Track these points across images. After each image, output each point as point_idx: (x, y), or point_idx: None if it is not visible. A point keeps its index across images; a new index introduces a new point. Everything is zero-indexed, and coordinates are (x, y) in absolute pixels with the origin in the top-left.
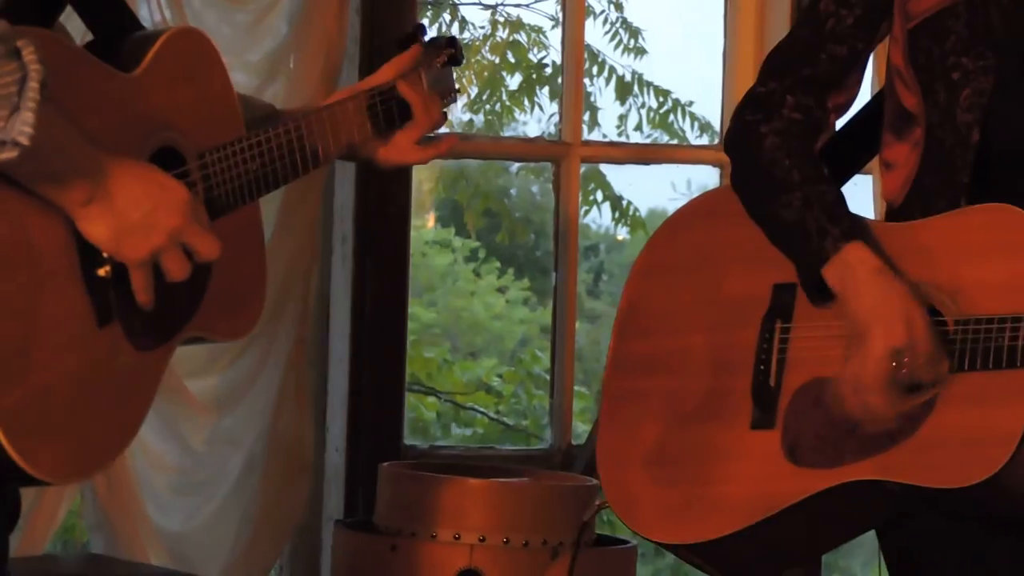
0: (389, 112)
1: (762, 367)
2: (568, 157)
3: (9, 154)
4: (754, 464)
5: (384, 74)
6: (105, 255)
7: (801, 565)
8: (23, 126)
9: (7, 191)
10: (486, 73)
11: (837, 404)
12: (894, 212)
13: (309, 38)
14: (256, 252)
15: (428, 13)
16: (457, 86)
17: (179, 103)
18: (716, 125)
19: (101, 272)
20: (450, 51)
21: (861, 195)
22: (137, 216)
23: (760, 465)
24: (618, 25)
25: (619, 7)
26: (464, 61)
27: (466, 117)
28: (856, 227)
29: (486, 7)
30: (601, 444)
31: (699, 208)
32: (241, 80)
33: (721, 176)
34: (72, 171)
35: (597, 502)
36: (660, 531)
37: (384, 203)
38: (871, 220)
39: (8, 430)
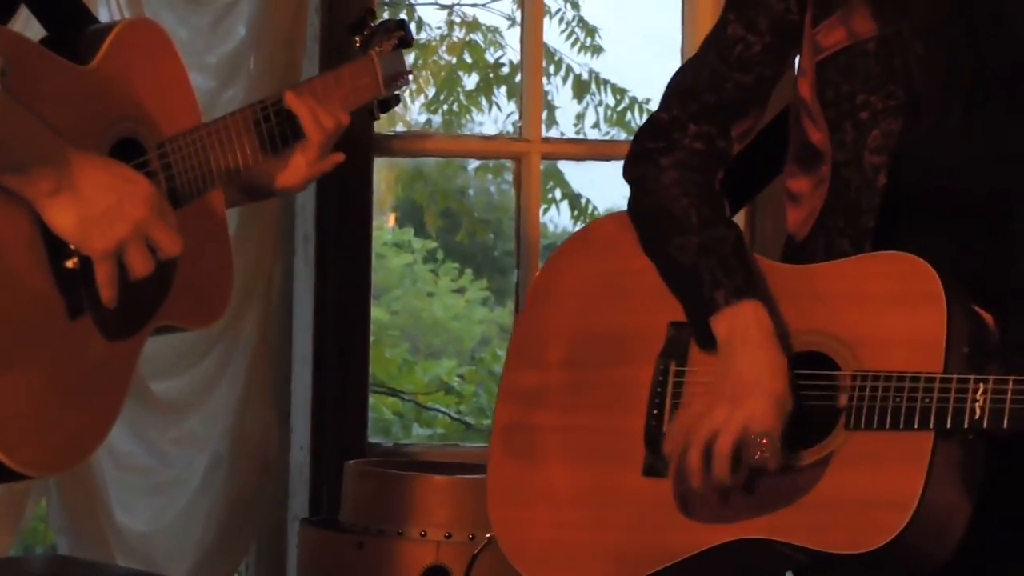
0: (280, 129)
1: (655, 411)
2: (529, 154)
3: None
4: (646, 512)
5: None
6: (70, 247)
7: None
8: None
9: None
10: (443, 73)
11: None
12: (796, 246)
13: (267, 38)
14: (221, 239)
15: (385, 13)
16: (410, 73)
17: (136, 93)
18: None
19: (69, 264)
20: (400, 33)
21: None
22: (103, 206)
23: (652, 514)
24: (575, 24)
25: (575, 6)
26: (412, 44)
27: (423, 117)
28: (750, 282)
29: (442, 7)
30: (491, 479)
31: (598, 233)
32: (199, 82)
33: None
34: (37, 161)
35: (488, 535)
36: None
37: (345, 202)
38: (769, 262)
39: None
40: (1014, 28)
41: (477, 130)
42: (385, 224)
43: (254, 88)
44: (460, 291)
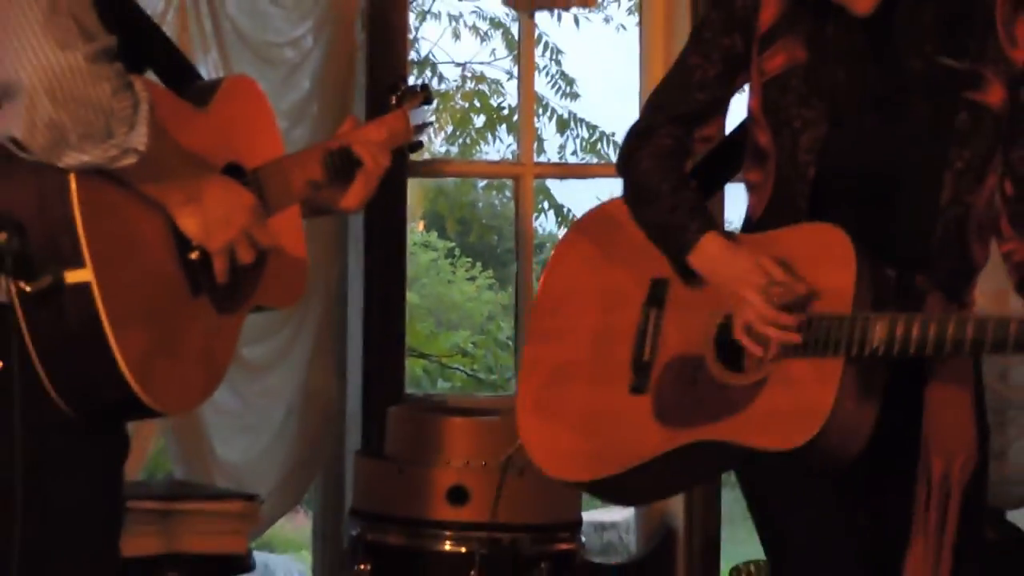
0: (343, 164)
1: (639, 344)
2: (524, 175)
3: (130, 160)
4: (631, 421)
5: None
6: (194, 243)
7: (668, 497)
8: (139, 137)
9: (119, 196)
10: (458, 115)
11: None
12: (752, 226)
13: (326, 90)
14: (298, 240)
15: (415, 69)
16: (432, 118)
17: (239, 130)
18: None
19: (192, 256)
20: (424, 94)
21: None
22: (220, 214)
23: (635, 423)
24: (557, 76)
25: (558, 63)
26: (435, 101)
27: (444, 148)
28: (710, 222)
29: (457, 64)
30: (519, 399)
31: (602, 213)
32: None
33: None
34: (173, 177)
35: (517, 442)
36: (557, 470)
37: (386, 212)
38: (728, 232)
39: (137, 376)
40: (902, 59)
41: (484, 157)
42: (416, 229)
43: (317, 128)
44: (472, 279)
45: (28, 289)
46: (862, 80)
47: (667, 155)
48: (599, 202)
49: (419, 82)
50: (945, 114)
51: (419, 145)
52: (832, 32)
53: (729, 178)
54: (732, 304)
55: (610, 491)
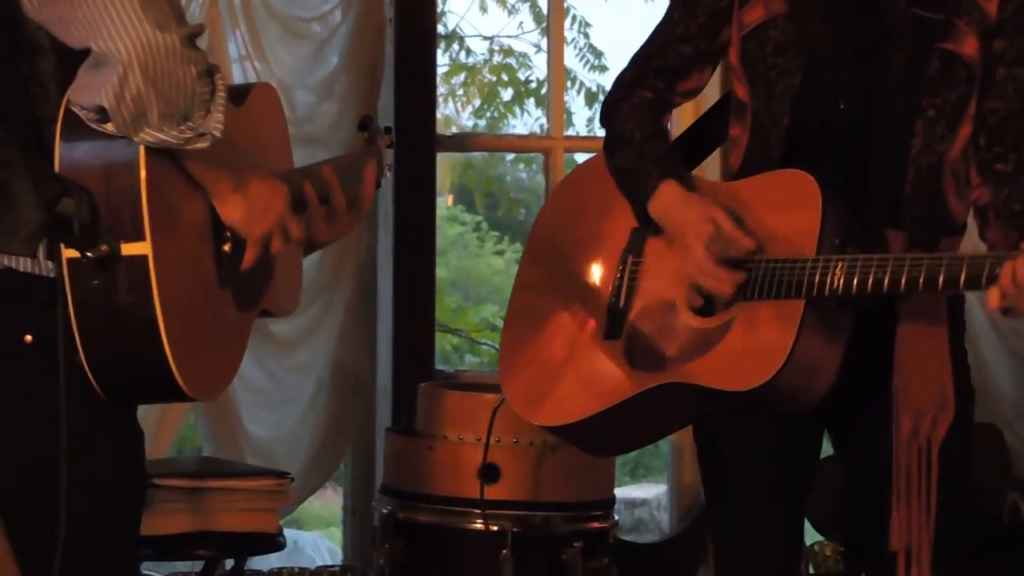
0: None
1: (616, 291)
2: (554, 149)
3: (203, 144)
4: (603, 366)
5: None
6: (236, 232)
7: (638, 447)
8: (215, 123)
9: (177, 178)
10: (486, 89)
11: (685, 288)
12: (734, 176)
13: (355, 65)
14: (297, 253)
15: (442, 43)
16: (388, 162)
17: (261, 135)
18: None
19: (225, 248)
20: (389, 137)
21: None
22: (261, 205)
23: (607, 367)
24: (586, 50)
25: (587, 36)
26: (394, 144)
27: (472, 122)
28: (674, 169)
29: (485, 39)
30: (502, 348)
31: (591, 166)
32: (302, 98)
33: None
34: (225, 167)
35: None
36: (532, 415)
37: (415, 187)
38: (705, 180)
39: (176, 355)
40: (879, 10)
41: (512, 131)
42: (445, 203)
43: (345, 103)
44: (500, 253)
45: (89, 255)
46: (840, 31)
47: (646, 107)
48: None
49: (384, 125)
50: (919, 65)
51: (379, 185)
52: None
53: (719, 143)
54: (680, 253)
55: (584, 437)
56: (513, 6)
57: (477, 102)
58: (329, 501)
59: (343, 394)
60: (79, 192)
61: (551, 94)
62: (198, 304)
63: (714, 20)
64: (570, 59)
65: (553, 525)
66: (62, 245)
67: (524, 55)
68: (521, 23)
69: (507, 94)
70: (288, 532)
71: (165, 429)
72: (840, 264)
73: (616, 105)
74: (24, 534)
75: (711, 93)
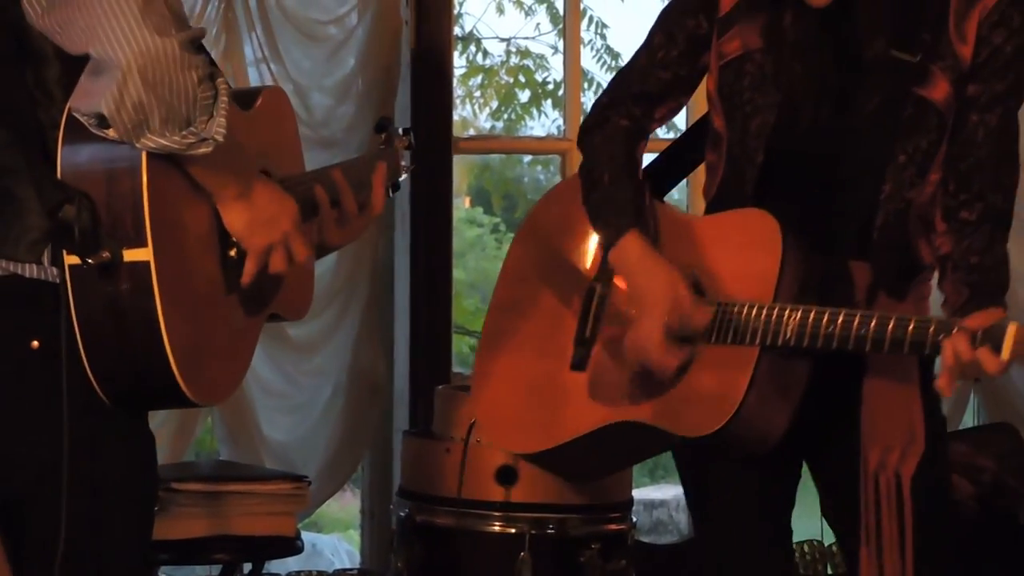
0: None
1: (583, 320)
2: (571, 151)
3: (205, 149)
4: (569, 398)
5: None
6: (235, 240)
7: (603, 476)
8: (218, 128)
9: (179, 183)
10: (503, 91)
11: (628, 358)
12: (707, 206)
13: (371, 67)
14: (309, 257)
15: (459, 44)
16: (407, 163)
17: (269, 137)
18: (680, 123)
19: (231, 253)
20: (409, 137)
21: None
22: (266, 216)
23: (572, 399)
24: (603, 51)
25: (604, 37)
26: (414, 146)
27: (489, 124)
28: (638, 218)
29: (502, 40)
30: (475, 371)
31: (567, 187)
32: (320, 100)
33: None
34: (228, 172)
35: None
36: (501, 441)
37: (432, 189)
38: (673, 213)
39: (179, 361)
40: (857, 51)
41: (530, 133)
42: (462, 205)
43: (362, 105)
44: None
45: (90, 261)
46: (817, 71)
47: (620, 138)
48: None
49: (403, 127)
50: (894, 108)
51: (397, 187)
52: (790, 22)
53: (695, 166)
54: (634, 312)
55: (551, 465)
56: (530, 8)
57: (494, 104)
58: (347, 504)
59: (360, 397)
60: (80, 198)
61: (568, 95)
62: (202, 310)
63: (693, 47)
64: (587, 60)
65: (571, 527)
66: (64, 251)
67: (541, 57)
68: (538, 24)
69: (524, 96)
70: (306, 535)
71: (182, 433)
72: (793, 316)
73: (590, 132)
74: (31, 540)
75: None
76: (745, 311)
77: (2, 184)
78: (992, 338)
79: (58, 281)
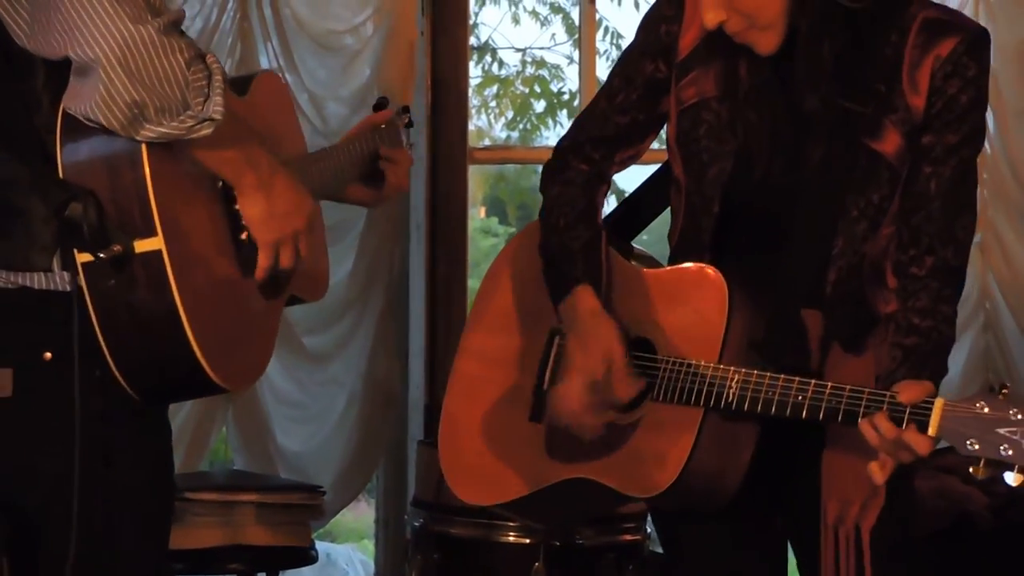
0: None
1: (541, 370)
2: None
3: (206, 130)
4: (527, 449)
5: (364, 125)
6: (243, 223)
7: (568, 528)
8: (215, 107)
9: (181, 169)
10: (519, 101)
11: (550, 411)
12: (671, 253)
13: (386, 77)
14: (321, 238)
15: (475, 55)
16: (408, 142)
17: (267, 121)
18: None
19: (243, 236)
20: (408, 116)
21: None
22: (282, 209)
23: (531, 451)
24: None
25: (619, 47)
26: (413, 124)
27: (504, 134)
28: (589, 272)
29: (518, 50)
30: (444, 414)
31: (536, 228)
32: (335, 109)
33: None
34: (245, 160)
35: None
36: (460, 490)
37: (448, 199)
38: (627, 265)
39: (203, 347)
40: (799, 100)
41: (545, 143)
42: (477, 215)
43: None
44: None
45: (102, 255)
46: (770, 121)
47: (579, 183)
48: None
49: (403, 104)
50: (844, 160)
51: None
52: (744, 71)
53: (660, 211)
54: (565, 362)
55: (517, 514)
56: (545, 18)
57: (510, 114)
58: (362, 514)
59: (375, 407)
60: (85, 195)
61: (583, 106)
62: (220, 295)
63: (652, 92)
64: (602, 71)
65: (586, 537)
66: (75, 251)
67: (556, 67)
68: (553, 35)
69: (540, 106)
70: (320, 545)
71: (197, 443)
72: (736, 378)
73: (551, 177)
74: (44, 551)
75: None
76: (690, 370)
77: (5, 197)
78: (918, 414)
79: (69, 288)
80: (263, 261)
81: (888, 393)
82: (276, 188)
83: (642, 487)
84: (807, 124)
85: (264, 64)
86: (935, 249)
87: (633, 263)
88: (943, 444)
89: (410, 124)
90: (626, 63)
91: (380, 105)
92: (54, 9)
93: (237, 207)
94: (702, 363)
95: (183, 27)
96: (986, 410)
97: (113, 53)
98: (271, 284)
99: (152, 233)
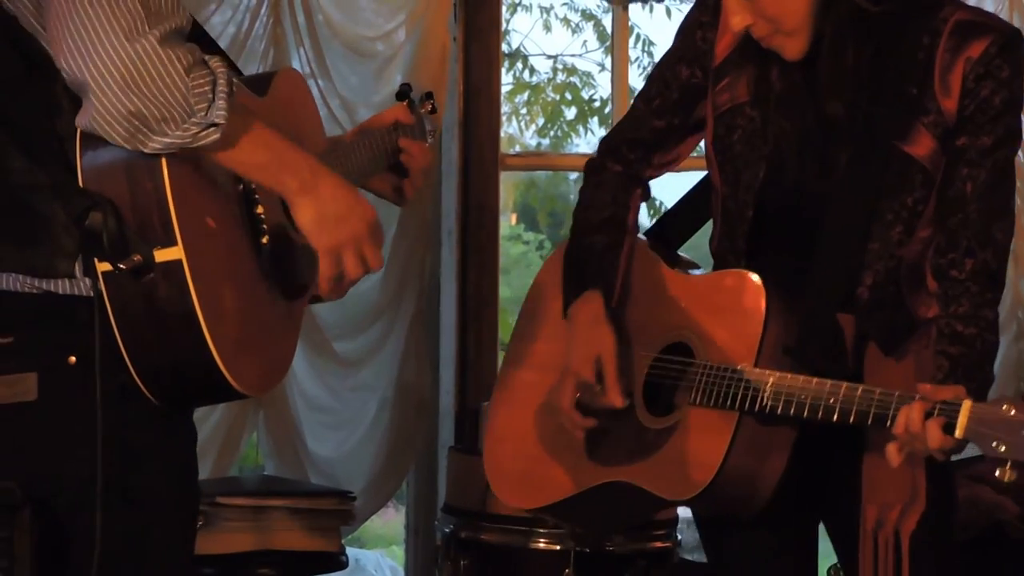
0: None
1: None
2: None
3: (213, 136)
4: (568, 453)
5: (386, 118)
6: (263, 227)
7: (610, 533)
8: (218, 111)
9: (200, 176)
10: (550, 108)
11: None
12: (713, 259)
13: (418, 84)
14: None
15: (506, 61)
16: (431, 128)
17: (289, 117)
18: None
19: (263, 240)
20: (432, 102)
21: None
22: (335, 212)
23: (571, 454)
24: (650, 69)
25: (650, 54)
26: (437, 110)
27: (535, 141)
28: (602, 277)
29: (549, 57)
30: (489, 421)
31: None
32: (367, 116)
33: None
34: (279, 164)
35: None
36: (503, 493)
37: (479, 206)
38: (663, 271)
39: (224, 355)
40: (824, 105)
41: (576, 150)
42: (508, 222)
43: None
44: None
45: (122, 267)
46: (800, 127)
47: (611, 184)
48: None
49: (426, 92)
50: (873, 164)
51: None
52: (776, 76)
53: (703, 222)
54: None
55: (560, 518)
56: (577, 25)
57: (541, 121)
58: (391, 520)
59: (406, 413)
60: (105, 204)
61: (615, 113)
62: (241, 300)
63: (688, 97)
64: (634, 78)
65: (616, 544)
66: (96, 259)
67: (588, 74)
68: (585, 42)
69: (571, 113)
70: (350, 551)
71: (227, 448)
72: (770, 381)
73: (587, 179)
74: (71, 555)
75: None
76: (726, 374)
77: (27, 204)
78: (947, 413)
79: (92, 293)
80: (325, 270)
81: (918, 396)
82: (322, 189)
83: (677, 490)
84: (834, 129)
85: (296, 69)
86: (974, 251)
87: (676, 270)
88: (969, 452)
89: (434, 110)
90: (663, 67)
91: (403, 93)
92: (54, 19)
93: (259, 211)
94: (738, 367)
95: (215, 34)
96: (1012, 412)
97: (110, 73)
98: (292, 285)
99: (172, 242)
